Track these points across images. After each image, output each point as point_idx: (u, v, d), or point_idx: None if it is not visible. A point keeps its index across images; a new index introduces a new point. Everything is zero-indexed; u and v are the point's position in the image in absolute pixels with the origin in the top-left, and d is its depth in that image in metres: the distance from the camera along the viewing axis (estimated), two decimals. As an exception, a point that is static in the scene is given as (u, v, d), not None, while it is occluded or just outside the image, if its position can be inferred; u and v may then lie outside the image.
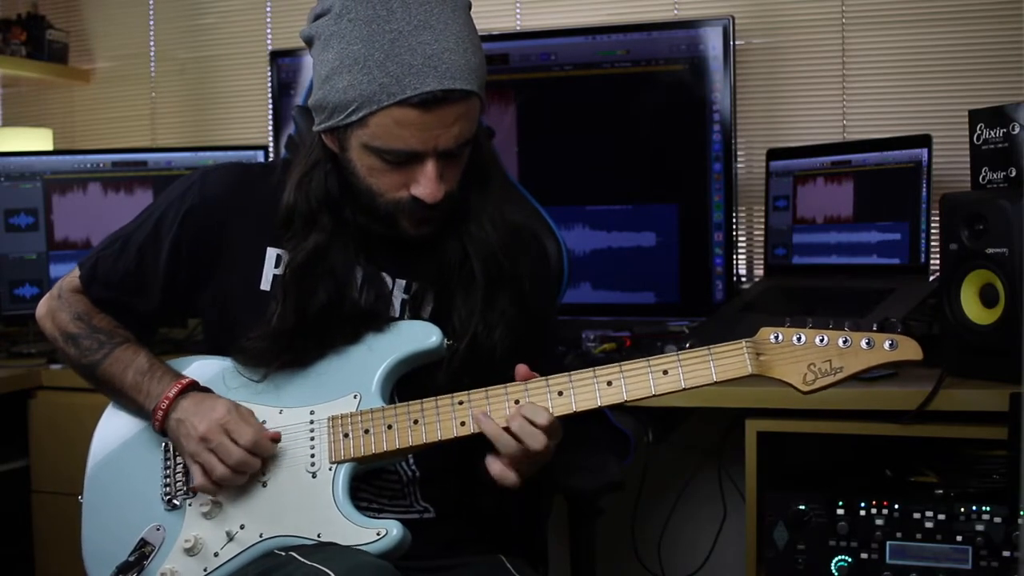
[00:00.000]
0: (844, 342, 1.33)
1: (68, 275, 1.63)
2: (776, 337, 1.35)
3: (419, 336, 1.47)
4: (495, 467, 1.39)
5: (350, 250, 1.47)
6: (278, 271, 1.51)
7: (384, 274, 1.51)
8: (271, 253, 1.52)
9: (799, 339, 1.34)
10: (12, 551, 2.45)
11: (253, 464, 1.42)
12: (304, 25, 1.47)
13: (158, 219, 1.56)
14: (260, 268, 1.52)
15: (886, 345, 1.32)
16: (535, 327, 1.57)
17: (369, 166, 1.41)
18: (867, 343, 1.32)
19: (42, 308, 1.63)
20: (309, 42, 1.45)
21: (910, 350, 1.32)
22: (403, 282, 1.52)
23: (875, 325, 1.35)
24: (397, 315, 1.51)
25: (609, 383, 1.37)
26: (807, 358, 1.33)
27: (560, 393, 1.38)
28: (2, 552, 2.45)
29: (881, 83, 2.55)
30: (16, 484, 2.44)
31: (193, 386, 1.48)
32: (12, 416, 2.42)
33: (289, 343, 1.46)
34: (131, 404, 1.52)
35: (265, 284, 1.51)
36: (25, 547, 2.45)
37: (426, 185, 1.40)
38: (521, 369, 1.40)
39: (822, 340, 1.33)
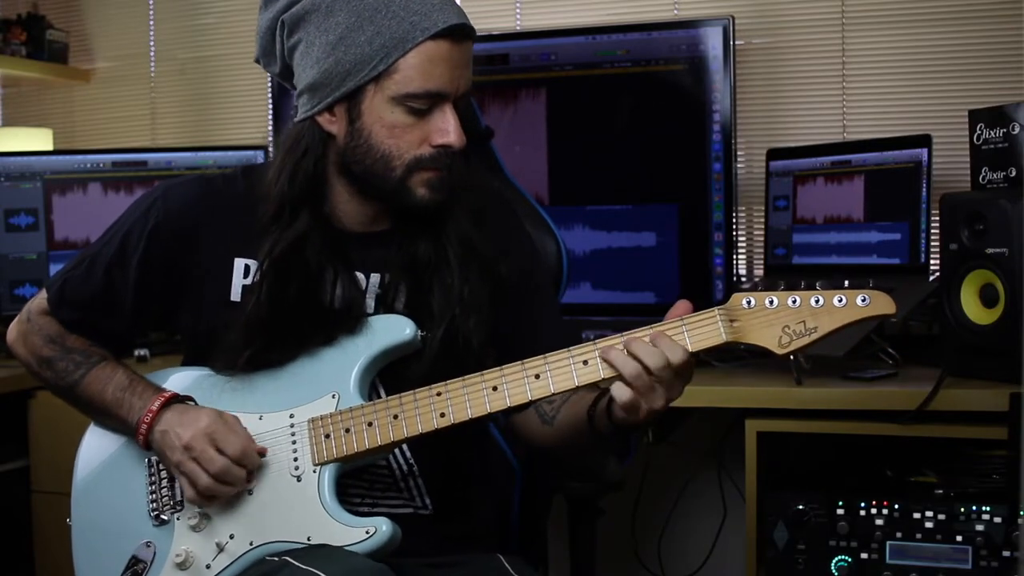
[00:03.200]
0: (816, 302, 1.31)
1: (35, 297, 1.61)
2: (748, 302, 1.33)
3: (392, 330, 1.46)
4: (626, 393, 1.31)
5: (325, 249, 1.47)
6: (247, 281, 1.50)
7: (357, 272, 1.51)
8: (239, 264, 1.51)
9: (771, 302, 1.32)
10: (12, 551, 2.45)
11: (237, 474, 1.40)
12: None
13: (123, 238, 1.54)
14: (229, 280, 1.51)
15: (859, 300, 1.30)
16: (523, 307, 1.56)
17: (391, 124, 1.41)
18: (840, 300, 1.30)
19: (12, 333, 1.61)
20: (298, 22, 1.43)
21: (883, 304, 1.30)
22: (376, 276, 1.51)
23: (846, 283, 1.33)
24: (372, 311, 1.50)
25: (585, 362, 1.36)
26: (781, 320, 1.32)
27: (537, 376, 1.37)
28: (2, 552, 2.45)
29: (881, 83, 2.55)
30: (16, 484, 2.44)
31: (175, 398, 1.47)
32: (12, 416, 2.42)
33: (260, 333, 1.45)
34: (114, 421, 1.51)
35: (235, 295, 1.50)
36: (25, 547, 2.45)
37: (451, 131, 1.41)
38: (681, 305, 1.35)
39: (794, 301, 1.31)
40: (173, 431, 1.42)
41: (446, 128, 1.42)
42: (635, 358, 1.31)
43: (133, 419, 1.46)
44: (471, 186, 1.53)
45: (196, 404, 1.48)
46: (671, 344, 1.31)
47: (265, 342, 1.46)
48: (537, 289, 1.62)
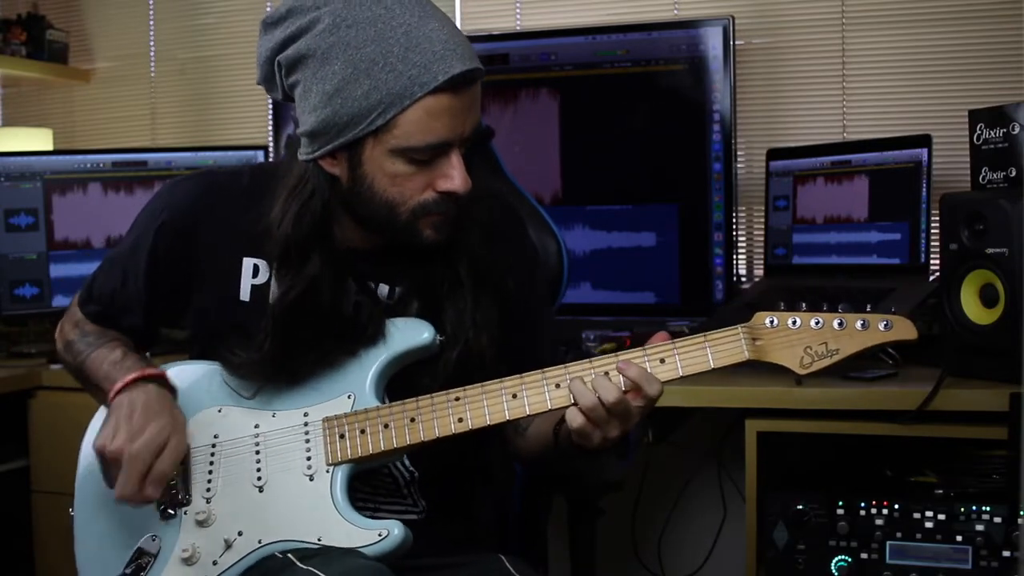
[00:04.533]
0: (839, 324, 1.33)
1: (75, 296, 1.65)
2: (771, 321, 1.35)
3: (410, 333, 1.46)
4: (577, 420, 1.34)
5: (340, 276, 1.45)
6: (256, 281, 1.49)
7: (368, 283, 1.50)
8: (247, 263, 1.50)
9: (794, 323, 1.34)
10: (12, 551, 2.45)
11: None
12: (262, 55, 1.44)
13: (135, 236, 1.55)
14: (238, 279, 1.50)
15: (881, 326, 1.32)
16: (525, 321, 1.57)
17: (393, 174, 1.38)
18: (862, 324, 1.32)
19: (57, 331, 1.65)
20: (295, 65, 1.39)
21: (905, 330, 1.32)
22: (385, 288, 1.51)
23: (868, 306, 1.35)
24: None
25: (606, 374, 1.36)
26: (803, 341, 1.33)
27: (557, 386, 1.37)
28: (2, 552, 2.45)
29: (881, 83, 2.55)
30: (16, 484, 2.44)
31: (157, 380, 1.45)
32: (12, 416, 2.42)
33: (280, 368, 1.44)
34: (105, 398, 1.50)
35: (244, 295, 1.50)
36: (25, 547, 2.45)
37: (456, 177, 1.38)
38: (658, 337, 1.38)
39: (817, 323, 1.33)
40: (123, 418, 1.40)
41: (451, 175, 1.38)
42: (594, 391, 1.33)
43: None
44: (479, 198, 1.50)
45: (175, 396, 1.47)
46: (646, 376, 1.34)
47: (286, 374, 1.45)
48: (538, 302, 1.63)
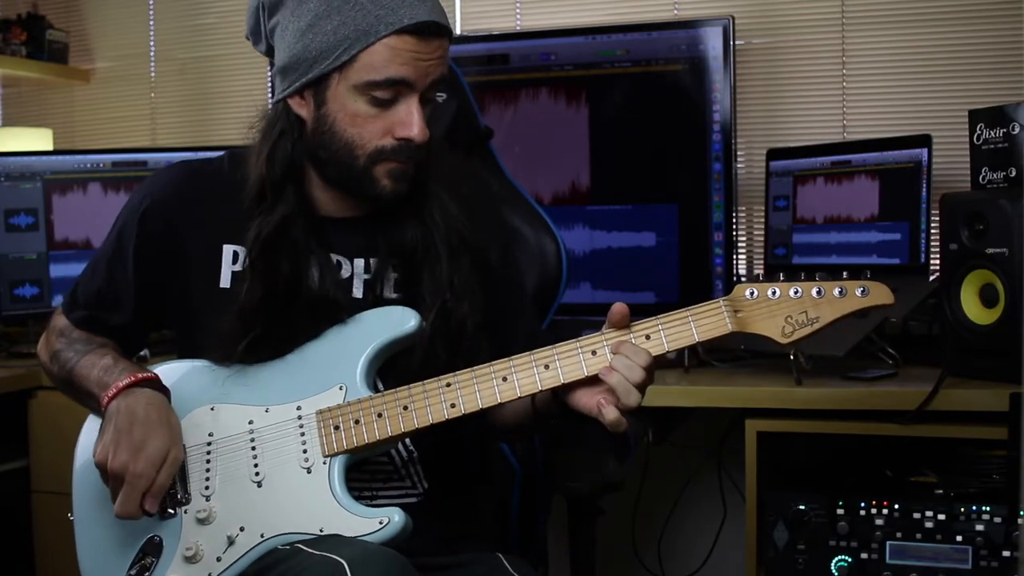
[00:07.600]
0: (818, 292, 1.35)
1: (58, 308, 1.64)
2: (751, 293, 1.37)
3: (397, 321, 1.46)
4: (610, 413, 1.35)
5: (309, 231, 1.47)
6: (236, 268, 1.50)
7: (340, 257, 1.51)
8: (227, 250, 1.52)
9: (774, 293, 1.36)
10: (12, 551, 2.45)
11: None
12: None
13: (119, 232, 1.56)
14: (218, 266, 1.51)
15: (858, 292, 1.34)
16: (507, 292, 1.58)
17: (354, 113, 1.42)
18: (840, 292, 1.34)
19: (40, 344, 1.65)
20: (276, 5, 1.45)
21: (882, 295, 1.35)
22: (361, 262, 1.52)
23: (845, 273, 1.37)
24: (360, 297, 1.51)
25: (594, 352, 1.37)
26: (783, 311, 1.35)
27: (546, 366, 1.38)
28: (2, 552, 2.45)
29: (881, 83, 2.55)
30: (16, 484, 2.44)
31: (151, 383, 1.45)
32: (12, 416, 2.42)
33: (255, 319, 1.45)
34: (95, 403, 1.50)
35: (224, 282, 1.51)
36: (25, 547, 2.45)
37: (414, 124, 1.41)
38: (618, 309, 1.39)
39: (796, 292, 1.35)
40: (121, 432, 1.39)
41: (409, 121, 1.42)
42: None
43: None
44: (457, 173, 1.53)
45: (169, 398, 1.46)
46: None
47: (261, 328, 1.46)
48: (517, 274, 1.65)
